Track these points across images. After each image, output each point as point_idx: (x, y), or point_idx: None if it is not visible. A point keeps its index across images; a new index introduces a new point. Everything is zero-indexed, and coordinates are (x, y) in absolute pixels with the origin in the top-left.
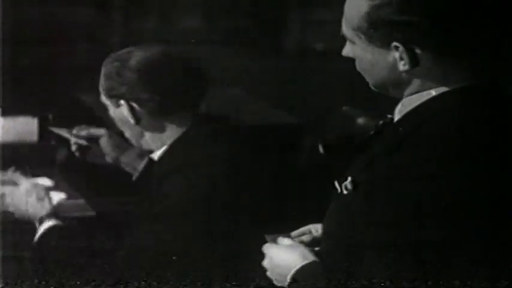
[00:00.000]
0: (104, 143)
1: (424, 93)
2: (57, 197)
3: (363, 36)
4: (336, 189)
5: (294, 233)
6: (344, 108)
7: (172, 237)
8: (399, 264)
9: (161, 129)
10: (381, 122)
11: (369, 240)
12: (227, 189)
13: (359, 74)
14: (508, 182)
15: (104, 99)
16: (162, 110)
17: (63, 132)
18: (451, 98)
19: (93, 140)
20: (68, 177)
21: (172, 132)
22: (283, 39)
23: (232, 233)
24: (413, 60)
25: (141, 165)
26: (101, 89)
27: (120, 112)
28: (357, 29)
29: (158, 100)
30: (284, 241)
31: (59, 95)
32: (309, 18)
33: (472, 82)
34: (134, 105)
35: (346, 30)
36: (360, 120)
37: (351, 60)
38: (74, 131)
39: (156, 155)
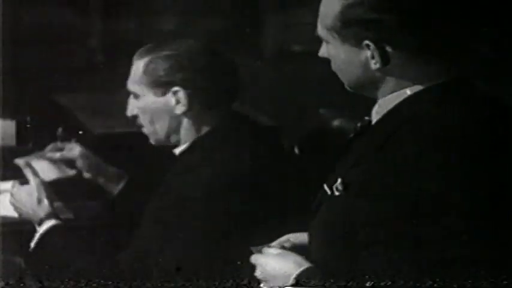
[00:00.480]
0: (80, 163)
1: (401, 92)
2: None
3: (336, 36)
4: (325, 191)
5: (274, 244)
6: (321, 110)
7: (176, 237)
8: (400, 262)
9: (200, 123)
10: (359, 124)
11: (368, 239)
12: (241, 190)
13: (336, 75)
14: (493, 175)
15: (138, 88)
16: (209, 102)
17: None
18: (428, 96)
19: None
20: None
21: (202, 128)
22: (261, 40)
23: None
24: (384, 59)
25: (119, 186)
26: (137, 79)
27: (164, 101)
28: (331, 29)
29: (211, 91)
30: (271, 250)
31: (37, 98)
32: (288, 20)
33: (445, 79)
34: (189, 93)
35: (320, 30)
36: (336, 122)
37: (329, 62)
38: (48, 154)
39: (178, 150)
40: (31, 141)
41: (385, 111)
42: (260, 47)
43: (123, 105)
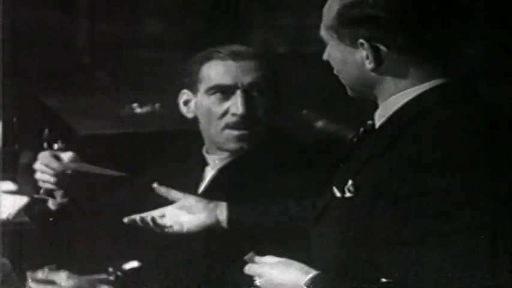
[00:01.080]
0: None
1: (404, 93)
2: (20, 200)
3: (334, 35)
4: (332, 195)
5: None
6: (304, 111)
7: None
8: (418, 258)
9: None
10: (361, 129)
11: (386, 237)
12: None
13: (321, 77)
14: (497, 173)
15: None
16: None
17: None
18: (431, 97)
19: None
20: (31, 181)
21: None
22: (246, 43)
23: None
24: (378, 58)
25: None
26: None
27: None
28: (330, 28)
29: None
30: (267, 259)
31: (24, 99)
32: (272, 22)
33: (446, 80)
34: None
35: (322, 31)
36: (319, 124)
37: (314, 64)
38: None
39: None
40: (17, 142)
41: (388, 113)
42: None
43: (110, 107)
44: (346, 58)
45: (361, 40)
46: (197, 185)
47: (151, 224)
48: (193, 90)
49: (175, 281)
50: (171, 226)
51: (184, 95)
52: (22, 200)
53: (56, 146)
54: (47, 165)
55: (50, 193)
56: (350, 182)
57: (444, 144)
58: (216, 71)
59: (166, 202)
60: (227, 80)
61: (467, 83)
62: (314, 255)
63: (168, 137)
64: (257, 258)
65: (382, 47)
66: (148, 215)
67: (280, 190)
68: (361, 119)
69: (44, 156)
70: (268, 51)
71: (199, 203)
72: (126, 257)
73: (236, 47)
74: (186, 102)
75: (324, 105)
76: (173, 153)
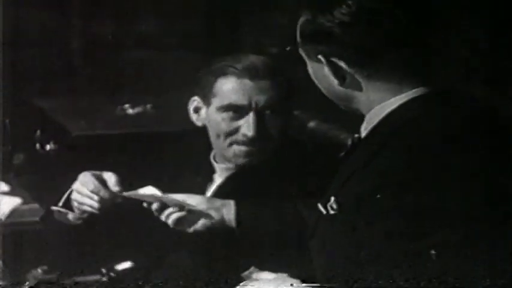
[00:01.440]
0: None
1: (386, 103)
2: (13, 201)
3: (303, 51)
4: (320, 211)
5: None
6: (295, 112)
7: None
8: (398, 271)
9: None
10: (349, 142)
11: (368, 255)
12: None
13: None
14: (486, 181)
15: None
16: None
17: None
18: (414, 106)
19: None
20: (24, 182)
21: None
22: (240, 43)
23: None
24: (339, 73)
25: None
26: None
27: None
28: (300, 47)
29: None
30: (266, 275)
31: (16, 100)
32: (264, 22)
33: (428, 89)
34: None
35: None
36: (311, 124)
37: (304, 64)
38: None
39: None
40: (10, 143)
41: (371, 125)
42: (237, 48)
43: (103, 108)
44: (317, 73)
45: (320, 56)
46: (203, 191)
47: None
48: (205, 101)
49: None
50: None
51: (195, 102)
52: (15, 201)
53: (48, 147)
54: (93, 192)
55: (69, 206)
56: (332, 199)
57: (427, 153)
58: (231, 88)
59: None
60: (241, 100)
61: (453, 90)
62: (314, 265)
63: (165, 139)
64: (255, 275)
65: (340, 63)
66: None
67: (289, 199)
68: (352, 120)
69: (87, 180)
70: (282, 60)
71: (205, 201)
72: (126, 257)
73: (253, 60)
74: (196, 110)
75: (317, 106)
76: (174, 156)
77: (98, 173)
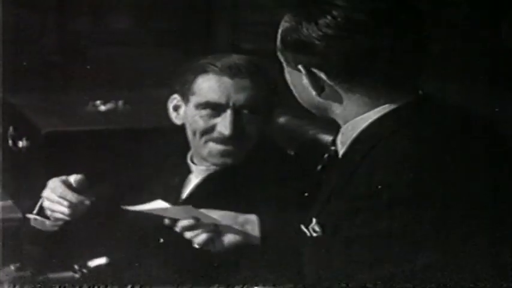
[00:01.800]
0: None
1: (357, 119)
2: None
3: (282, 58)
4: (304, 233)
5: None
6: (277, 113)
7: None
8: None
9: None
10: (325, 156)
11: (354, 279)
12: None
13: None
14: (469, 190)
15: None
16: None
17: None
18: (394, 117)
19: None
20: None
21: None
22: (214, 40)
23: None
24: (317, 84)
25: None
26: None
27: None
28: (278, 50)
29: None
30: None
31: None
32: (239, 20)
33: (409, 99)
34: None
35: (277, 52)
36: (281, 120)
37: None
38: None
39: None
40: None
41: (348, 141)
42: (211, 45)
43: (75, 104)
44: (295, 81)
45: (299, 66)
46: (178, 191)
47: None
48: (184, 98)
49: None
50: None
51: (175, 100)
52: None
53: (20, 144)
54: (61, 197)
55: (44, 213)
56: (314, 220)
57: (409, 165)
58: (209, 86)
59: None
60: (219, 98)
61: (433, 99)
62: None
63: (138, 136)
64: None
65: (321, 74)
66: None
67: (265, 201)
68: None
69: (55, 186)
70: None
71: (230, 217)
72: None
73: (234, 58)
74: (176, 108)
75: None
76: (148, 155)
77: (64, 177)
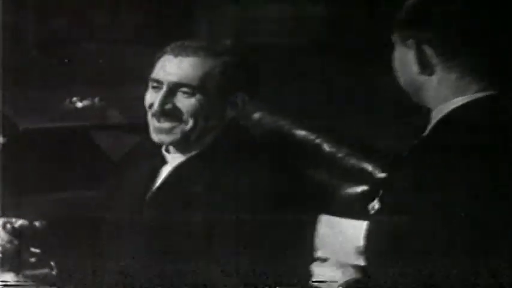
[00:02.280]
0: None
1: (448, 103)
2: None
3: (396, 35)
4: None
5: None
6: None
7: None
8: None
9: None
10: (415, 142)
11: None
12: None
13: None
14: None
15: None
16: None
17: None
18: (478, 106)
19: None
20: None
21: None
22: (191, 35)
23: None
24: (423, 61)
25: None
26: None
27: None
28: (396, 27)
29: None
30: None
31: None
32: (216, 15)
33: (493, 91)
34: None
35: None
36: (256, 116)
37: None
38: None
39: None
40: None
41: (434, 123)
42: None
43: (52, 101)
44: (401, 59)
45: (410, 41)
46: (153, 182)
47: None
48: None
49: None
50: None
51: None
52: None
53: None
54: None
55: None
56: (376, 199)
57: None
58: (159, 65)
59: None
60: (157, 75)
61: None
62: None
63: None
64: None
65: (430, 51)
66: None
67: (236, 189)
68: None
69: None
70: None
71: None
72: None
73: (189, 42)
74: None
75: (265, 98)
76: (122, 149)
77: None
